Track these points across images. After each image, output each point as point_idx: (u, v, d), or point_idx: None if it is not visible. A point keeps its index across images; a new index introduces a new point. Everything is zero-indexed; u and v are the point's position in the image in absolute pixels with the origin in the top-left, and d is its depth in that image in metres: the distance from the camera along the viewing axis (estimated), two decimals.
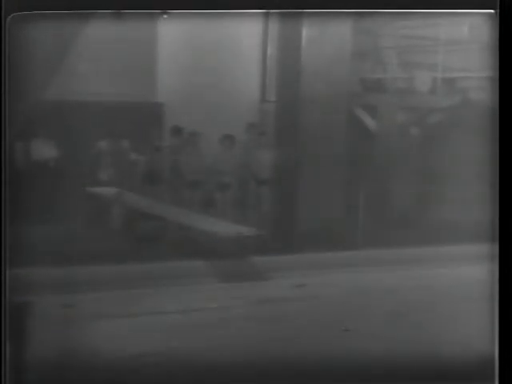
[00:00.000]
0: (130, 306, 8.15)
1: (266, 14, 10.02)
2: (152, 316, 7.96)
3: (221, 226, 10.33)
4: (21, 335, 6.37)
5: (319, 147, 10.76)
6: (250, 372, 6.80)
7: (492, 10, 6.20)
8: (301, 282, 9.09)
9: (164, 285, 8.79)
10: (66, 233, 9.52)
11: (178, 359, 6.98)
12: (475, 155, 8.70)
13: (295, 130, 10.91)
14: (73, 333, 7.26)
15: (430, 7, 6.42)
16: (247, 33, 11.56)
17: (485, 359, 6.21)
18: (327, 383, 6.66)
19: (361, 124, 12.31)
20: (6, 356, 6.15)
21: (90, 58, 10.29)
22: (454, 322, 7.77)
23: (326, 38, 10.57)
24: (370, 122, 12.38)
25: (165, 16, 6.68)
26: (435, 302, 8.42)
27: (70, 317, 7.63)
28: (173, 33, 11.20)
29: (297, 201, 10.80)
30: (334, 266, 9.67)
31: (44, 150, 10.88)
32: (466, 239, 8.97)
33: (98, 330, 7.41)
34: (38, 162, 10.76)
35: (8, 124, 6.15)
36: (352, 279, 9.33)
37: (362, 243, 10.60)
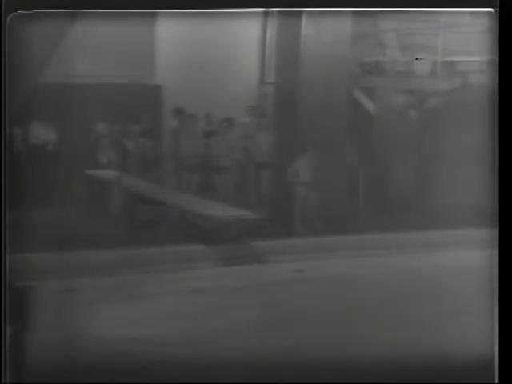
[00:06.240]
0: (129, 290, 8.18)
1: None
2: (152, 300, 7.98)
3: (220, 209, 10.32)
4: (21, 319, 6.39)
5: (318, 129, 10.75)
6: (247, 355, 6.83)
7: (492, 9, 6.21)
8: (300, 267, 9.12)
9: (164, 269, 8.82)
10: (66, 217, 9.53)
11: (178, 343, 7.01)
12: (474, 138, 8.71)
13: (295, 112, 10.90)
14: (73, 317, 7.28)
15: (430, 6, 6.44)
16: (247, 16, 11.53)
17: (485, 351, 6.24)
18: (323, 369, 6.69)
19: (360, 106, 12.28)
20: (6, 340, 6.17)
21: (89, 57, 10.34)
22: (454, 311, 7.77)
23: (325, 20, 10.54)
24: (369, 104, 12.36)
25: None
26: (433, 289, 8.41)
27: (70, 301, 7.66)
28: (173, 24, 11.19)
29: (296, 184, 10.82)
30: (333, 251, 9.70)
31: (44, 134, 10.88)
32: (465, 223, 8.99)
33: (98, 314, 7.43)
34: (38, 146, 10.77)
35: (7, 113, 6.19)
36: (350, 264, 9.35)
37: (361, 227, 10.60)
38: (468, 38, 11.00)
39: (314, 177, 10.69)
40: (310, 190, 10.72)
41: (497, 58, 6.20)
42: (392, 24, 12.35)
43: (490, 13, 6.22)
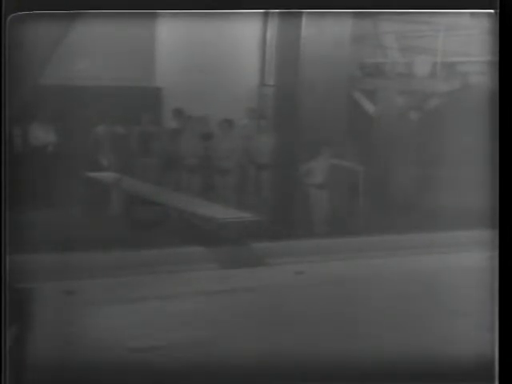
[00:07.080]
0: (129, 292, 8.16)
1: None
2: (151, 302, 7.96)
3: (220, 211, 10.30)
4: (21, 321, 6.38)
5: (318, 131, 10.74)
6: (246, 357, 6.83)
7: (492, 10, 6.21)
8: (300, 269, 9.10)
9: (164, 271, 8.81)
10: (65, 218, 9.53)
11: (178, 345, 6.99)
12: (475, 139, 8.70)
13: (294, 113, 10.89)
14: (73, 319, 7.28)
15: (430, 7, 6.44)
16: (247, 17, 11.54)
17: (485, 352, 6.24)
18: (322, 371, 6.69)
19: (360, 108, 12.29)
20: (6, 342, 6.16)
21: (89, 58, 10.35)
22: (454, 312, 7.76)
23: (325, 21, 10.54)
24: (369, 106, 12.37)
25: None
26: (433, 291, 8.40)
27: (70, 303, 7.65)
28: (173, 25, 11.20)
29: (296, 185, 10.81)
30: (334, 252, 9.67)
31: (43, 135, 10.89)
32: (465, 225, 8.97)
33: (98, 315, 7.42)
34: (38, 147, 10.76)
35: (7, 113, 6.20)
36: (351, 266, 9.34)
37: (361, 229, 10.59)
38: (468, 39, 11.01)
39: (325, 178, 10.72)
40: (320, 192, 10.75)
41: (497, 59, 6.20)
42: (392, 26, 12.36)
43: (490, 14, 6.22)
